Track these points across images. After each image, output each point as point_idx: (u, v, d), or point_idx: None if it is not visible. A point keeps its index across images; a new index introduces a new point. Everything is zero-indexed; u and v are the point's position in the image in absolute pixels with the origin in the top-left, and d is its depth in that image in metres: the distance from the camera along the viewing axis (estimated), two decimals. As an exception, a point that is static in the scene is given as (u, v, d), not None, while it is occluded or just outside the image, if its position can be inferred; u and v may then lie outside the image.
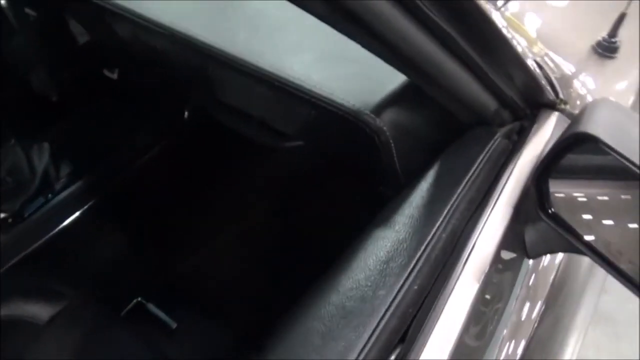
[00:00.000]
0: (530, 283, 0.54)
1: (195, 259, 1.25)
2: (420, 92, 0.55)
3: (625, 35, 0.76)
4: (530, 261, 0.53)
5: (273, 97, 0.62)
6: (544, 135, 0.60)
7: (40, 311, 0.99)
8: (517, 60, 0.49)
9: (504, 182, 0.53)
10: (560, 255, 0.63)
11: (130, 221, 1.23)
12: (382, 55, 0.43)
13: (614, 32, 0.76)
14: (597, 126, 0.41)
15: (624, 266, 0.44)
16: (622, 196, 0.46)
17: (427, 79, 0.46)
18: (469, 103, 0.52)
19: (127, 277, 1.16)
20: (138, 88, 1.29)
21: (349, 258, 0.48)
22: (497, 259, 0.48)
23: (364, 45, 0.41)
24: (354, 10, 0.36)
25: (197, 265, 1.24)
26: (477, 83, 0.49)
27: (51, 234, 1.11)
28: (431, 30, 0.42)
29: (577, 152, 0.44)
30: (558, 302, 0.58)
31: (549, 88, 0.58)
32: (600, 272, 0.70)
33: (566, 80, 0.69)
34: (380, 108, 0.51)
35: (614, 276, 0.45)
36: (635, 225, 0.44)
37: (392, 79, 0.54)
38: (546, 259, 0.58)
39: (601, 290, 0.71)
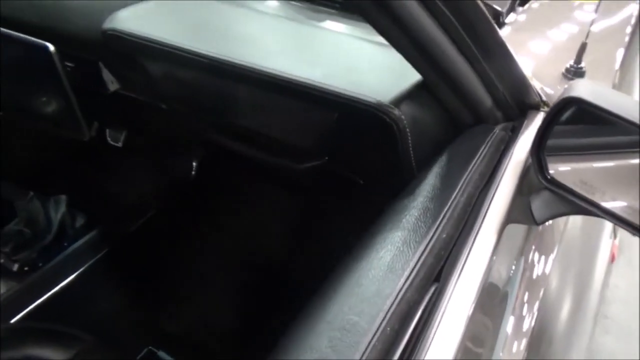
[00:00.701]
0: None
1: (206, 306, 1.26)
2: (426, 94, 0.65)
3: (587, 61, 0.89)
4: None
5: (293, 107, 0.71)
6: (533, 131, 0.69)
7: (54, 354, 0.98)
8: (510, 59, 0.60)
9: (506, 162, 0.61)
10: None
11: (142, 269, 1.25)
12: (405, 50, 0.53)
13: (579, 59, 0.89)
14: (580, 92, 0.51)
15: (622, 213, 0.51)
16: (612, 155, 0.54)
17: (439, 71, 0.56)
18: (469, 98, 0.62)
19: (137, 325, 1.17)
20: (149, 143, 1.39)
21: (379, 225, 0.54)
22: (508, 219, 0.55)
23: (392, 40, 0.51)
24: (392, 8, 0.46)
25: (206, 312, 1.26)
26: (477, 79, 0.60)
27: (66, 281, 1.13)
28: (448, 32, 0.52)
29: (567, 121, 0.53)
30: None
31: (534, 89, 0.69)
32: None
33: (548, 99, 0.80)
34: (397, 101, 0.60)
35: (615, 223, 0.52)
36: (623, 163, 0.52)
37: (403, 82, 0.64)
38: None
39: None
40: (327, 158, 0.82)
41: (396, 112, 0.59)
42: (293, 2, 0.97)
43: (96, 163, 1.39)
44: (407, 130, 0.60)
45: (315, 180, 1.11)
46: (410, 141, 0.62)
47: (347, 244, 0.56)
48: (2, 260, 1.15)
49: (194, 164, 1.43)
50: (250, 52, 0.74)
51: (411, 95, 0.62)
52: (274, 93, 0.71)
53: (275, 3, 1.00)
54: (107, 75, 0.93)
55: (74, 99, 0.86)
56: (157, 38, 0.76)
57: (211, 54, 0.72)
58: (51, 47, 0.80)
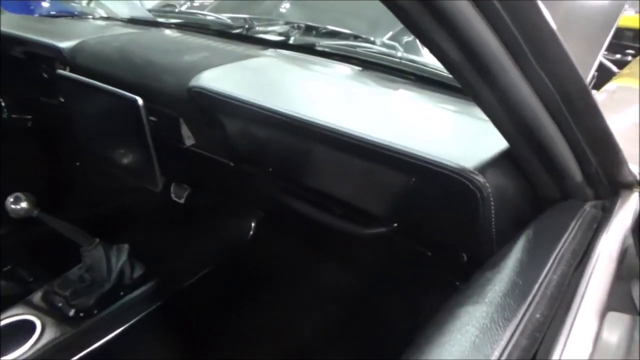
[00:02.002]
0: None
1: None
2: (512, 163, 0.62)
3: None
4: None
5: (368, 169, 0.69)
6: (628, 213, 0.63)
7: None
8: (604, 128, 0.56)
9: (600, 243, 0.55)
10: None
11: (193, 325, 1.23)
12: (493, 111, 0.51)
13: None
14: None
15: None
16: None
17: (529, 138, 0.53)
18: (559, 171, 0.58)
19: None
20: (210, 202, 1.42)
21: (460, 298, 0.50)
22: (608, 306, 0.49)
23: (479, 98, 0.49)
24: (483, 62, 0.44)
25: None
26: (568, 150, 0.56)
27: (118, 331, 1.12)
28: (540, 94, 0.50)
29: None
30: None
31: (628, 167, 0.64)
32: None
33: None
34: (481, 168, 0.58)
35: None
36: None
37: (487, 149, 0.61)
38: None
39: None
40: (395, 225, 0.79)
41: (481, 179, 0.56)
42: (369, 72, 1.00)
43: (158, 217, 1.42)
44: (491, 199, 0.57)
45: (376, 248, 1.08)
46: (493, 211, 0.58)
47: (412, 322, 0.52)
48: (60, 304, 1.16)
49: (252, 224, 1.44)
50: (326, 113, 0.75)
51: (496, 162, 0.60)
52: (350, 154, 0.70)
53: (352, 70, 1.03)
54: (185, 130, 0.97)
55: (153, 151, 0.90)
56: (238, 96, 0.79)
57: (289, 112, 0.74)
58: (140, 101, 0.85)
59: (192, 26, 1.34)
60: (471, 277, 0.53)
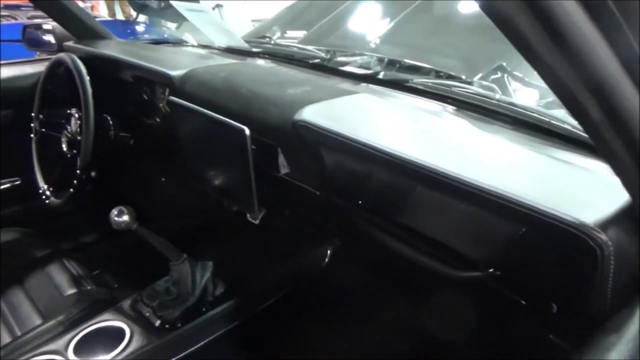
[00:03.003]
0: None
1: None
2: (635, 220, 0.59)
3: None
4: None
5: (472, 214, 0.69)
6: None
7: None
8: None
9: None
10: None
11: (269, 345, 1.26)
12: (616, 159, 0.49)
13: None
14: None
15: None
16: None
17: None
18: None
19: None
20: (290, 226, 1.46)
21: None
22: None
23: (600, 142, 0.48)
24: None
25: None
26: None
27: (198, 345, 1.17)
28: None
29: None
30: None
31: None
32: None
33: None
34: (603, 224, 0.56)
35: None
36: None
37: (607, 203, 0.60)
38: None
39: None
40: (491, 270, 0.78)
41: (603, 236, 0.55)
42: (465, 112, 1.00)
43: (236, 235, 1.47)
44: (612, 257, 0.55)
45: (462, 291, 1.06)
46: (612, 270, 0.56)
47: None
48: (147, 314, 1.23)
49: (329, 251, 1.46)
50: (429, 153, 0.76)
51: (618, 218, 0.58)
52: (454, 197, 0.70)
53: (446, 109, 1.03)
54: (282, 160, 1.01)
55: (253, 178, 0.94)
56: (341, 131, 0.81)
57: (392, 151, 0.75)
58: (247, 131, 0.90)
59: (287, 57, 1.41)
60: (591, 339, 0.51)
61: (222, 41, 1.59)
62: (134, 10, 5.21)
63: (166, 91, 1.40)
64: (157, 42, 2.04)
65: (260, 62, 1.45)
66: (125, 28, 3.98)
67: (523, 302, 0.82)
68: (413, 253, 0.91)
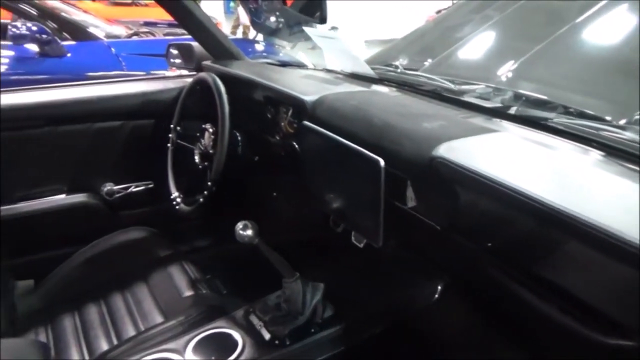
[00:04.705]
0: None
1: None
2: None
3: None
4: None
5: (632, 279, 0.62)
6: None
7: None
8: None
9: None
10: None
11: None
12: None
13: None
14: None
15: None
16: None
17: None
18: None
19: None
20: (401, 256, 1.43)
21: None
22: None
23: None
24: None
25: None
26: None
27: (305, 366, 1.19)
28: None
29: None
30: None
31: None
32: None
33: None
34: None
35: None
36: None
37: None
38: None
39: None
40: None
41: None
42: (615, 159, 0.92)
43: (344, 258, 1.48)
44: None
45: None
46: None
47: None
48: (258, 328, 1.27)
49: (439, 287, 1.41)
50: (582, 203, 0.70)
51: None
52: (614, 256, 0.64)
53: (592, 153, 0.96)
54: (410, 192, 1.00)
55: (382, 210, 0.94)
56: (483, 172, 0.78)
57: (543, 199, 0.71)
58: (382, 162, 0.91)
59: (413, 86, 1.40)
60: None
61: (348, 67, 1.62)
62: (254, 29, 5.54)
63: (289, 112, 1.46)
64: (283, 64, 2.14)
65: (385, 89, 1.46)
66: (247, 46, 4.24)
67: None
68: (546, 307, 0.85)
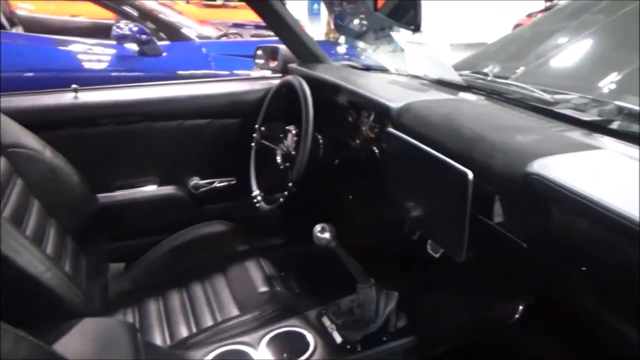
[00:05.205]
0: None
1: None
2: None
3: None
4: None
5: None
6: None
7: None
8: None
9: None
10: None
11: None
12: None
13: None
14: None
15: None
16: None
17: None
18: None
19: None
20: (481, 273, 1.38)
21: None
22: None
23: None
24: None
25: None
26: None
27: (376, 374, 1.18)
28: None
29: None
30: None
31: None
32: None
33: None
34: None
35: None
36: None
37: None
38: None
39: None
40: None
41: None
42: None
43: (425, 270, 1.44)
44: None
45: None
46: None
47: None
48: (330, 330, 1.28)
49: (520, 307, 1.34)
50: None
51: None
52: None
53: None
54: (497, 207, 0.96)
55: (467, 223, 0.91)
56: (586, 193, 0.73)
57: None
58: (470, 175, 0.88)
59: (503, 95, 1.34)
60: None
61: (434, 73, 1.59)
62: (338, 32, 5.58)
63: (371, 117, 1.45)
64: (366, 68, 2.14)
65: (474, 98, 1.41)
66: (329, 48, 4.28)
67: None
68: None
